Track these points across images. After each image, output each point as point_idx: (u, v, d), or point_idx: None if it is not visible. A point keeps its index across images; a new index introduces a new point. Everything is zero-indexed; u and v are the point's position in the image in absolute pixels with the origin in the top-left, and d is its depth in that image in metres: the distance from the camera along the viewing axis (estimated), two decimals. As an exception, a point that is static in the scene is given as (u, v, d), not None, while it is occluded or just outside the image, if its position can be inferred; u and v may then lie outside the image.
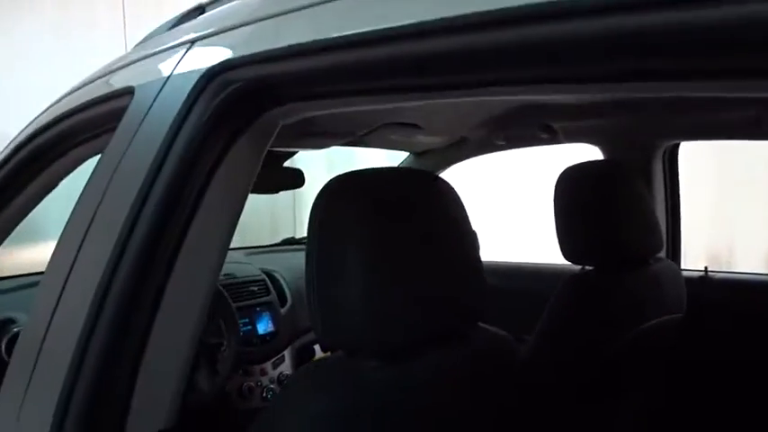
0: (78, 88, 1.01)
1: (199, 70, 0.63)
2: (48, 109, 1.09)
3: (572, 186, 1.28)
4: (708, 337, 1.49)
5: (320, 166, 3.02)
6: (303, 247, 2.24)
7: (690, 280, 1.56)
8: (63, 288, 0.66)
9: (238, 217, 0.72)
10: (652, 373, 1.37)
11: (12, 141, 1.16)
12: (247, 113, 0.63)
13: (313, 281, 0.72)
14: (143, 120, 0.67)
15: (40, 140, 1.06)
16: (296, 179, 1.72)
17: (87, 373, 0.57)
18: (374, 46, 0.48)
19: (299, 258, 2.31)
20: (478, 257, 0.80)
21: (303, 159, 2.07)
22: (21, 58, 3.23)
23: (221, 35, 0.69)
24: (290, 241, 2.37)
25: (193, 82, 0.62)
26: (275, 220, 3.53)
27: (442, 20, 0.42)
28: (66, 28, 3.31)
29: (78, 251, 0.66)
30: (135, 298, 0.58)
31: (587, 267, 1.28)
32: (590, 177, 1.27)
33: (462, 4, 0.41)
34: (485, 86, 0.48)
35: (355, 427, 0.65)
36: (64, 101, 1.03)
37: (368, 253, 0.70)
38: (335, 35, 0.50)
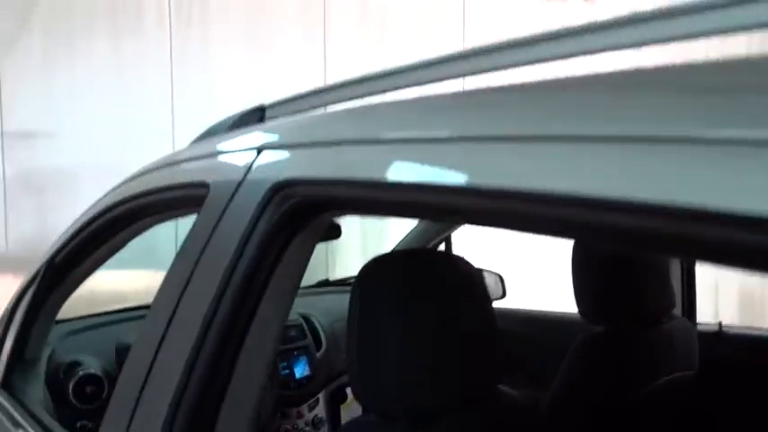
0: (151, 170, 1.17)
1: (268, 179, 0.78)
2: (121, 185, 1.25)
3: (588, 248, 1.39)
4: (720, 391, 1.57)
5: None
6: (337, 288, 2.41)
7: (703, 335, 1.64)
8: (165, 333, 0.83)
9: (295, 293, 0.86)
10: (666, 427, 1.45)
11: (84, 213, 1.34)
12: (306, 218, 0.78)
13: (353, 348, 0.85)
14: (222, 215, 0.83)
15: (112, 214, 1.23)
16: (334, 231, 1.88)
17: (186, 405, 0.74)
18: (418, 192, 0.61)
19: (333, 300, 2.44)
20: (495, 328, 0.93)
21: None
22: (80, 98, 3.52)
23: (287, 149, 0.84)
24: (324, 283, 2.50)
25: (264, 191, 0.77)
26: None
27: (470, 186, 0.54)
28: (118, 66, 3.59)
29: (175, 312, 0.83)
30: (222, 352, 0.75)
31: (601, 327, 1.37)
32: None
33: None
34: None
35: None
36: (136, 180, 1.20)
37: (400, 328, 0.83)
38: (391, 179, 0.63)
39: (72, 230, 1.37)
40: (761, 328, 1.67)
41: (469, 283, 0.92)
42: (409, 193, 0.62)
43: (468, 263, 0.95)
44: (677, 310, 1.66)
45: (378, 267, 0.89)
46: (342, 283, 2.41)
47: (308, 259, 0.85)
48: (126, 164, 1.45)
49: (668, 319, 1.47)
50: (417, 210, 0.74)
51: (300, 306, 2.16)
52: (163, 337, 0.84)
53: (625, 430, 1.28)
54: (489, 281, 2.62)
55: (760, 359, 1.60)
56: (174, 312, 0.84)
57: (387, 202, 0.68)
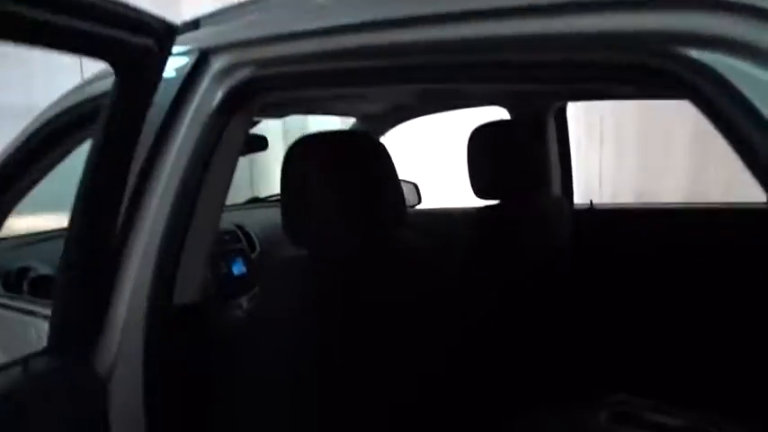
0: (91, 82, 1.31)
1: (196, 49, 0.96)
2: (60, 99, 1.38)
3: (483, 138, 1.65)
4: (592, 258, 1.91)
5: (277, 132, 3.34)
6: (267, 204, 2.63)
7: (578, 212, 1.98)
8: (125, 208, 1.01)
9: (233, 171, 1.07)
10: (548, 291, 1.78)
11: (26, 128, 1.46)
12: (244, 99, 0.98)
13: (286, 206, 1.08)
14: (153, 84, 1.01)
15: (55, 125, 1.36)
16: (261, 144, 2.07)
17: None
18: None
19: (264, 214, 2.63)
20: (399, 189, 1.18)
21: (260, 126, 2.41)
22: None
23: (216, 25, 1.03)
24: (255, 200, 2.69)
25: (192, 58, 0.96)
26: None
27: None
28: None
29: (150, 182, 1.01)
30: (181, 216, 0.95)
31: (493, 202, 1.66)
32: (497, 133, 1.65)
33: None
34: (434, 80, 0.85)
35: (316, 309, 1.03)
36: (77, 92, 1.33)
37: (324, 190, 1.06)
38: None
39: (15, 144, 1.48)
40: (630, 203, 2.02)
41: (381, 159, 1.16)
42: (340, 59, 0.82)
43: (381, 143, 1.18)
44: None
45: (305, 144, 1.11)
46: (270, 199, 2.62)
47: (244, 140, 1.06)
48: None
49: (546, 196, 1.77)
50: (345, 76, 0.94)
51: (233, 219, 2.35)
52: (120, 211, 1.03)
53: (510, 296, 1.58)
54: (405, 189, 2.89)
55: (626, 227, 1.96)
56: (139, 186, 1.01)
57: (316, 72, 0.88)
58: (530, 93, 1.86)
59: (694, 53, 0.60)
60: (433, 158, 4.69)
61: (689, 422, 1.18)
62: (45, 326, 1.03)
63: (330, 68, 0.90)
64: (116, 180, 0.95)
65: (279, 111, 1.98)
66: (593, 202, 2.01)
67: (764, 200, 0.68)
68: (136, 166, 0.98)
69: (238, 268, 2.12)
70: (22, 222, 2.32)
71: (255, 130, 2.12)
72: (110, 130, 0.92)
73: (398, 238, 1.17)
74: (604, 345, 1.95)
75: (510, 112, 2.01)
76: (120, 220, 0.97)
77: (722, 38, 0.59)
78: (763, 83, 0.56)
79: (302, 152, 1.07)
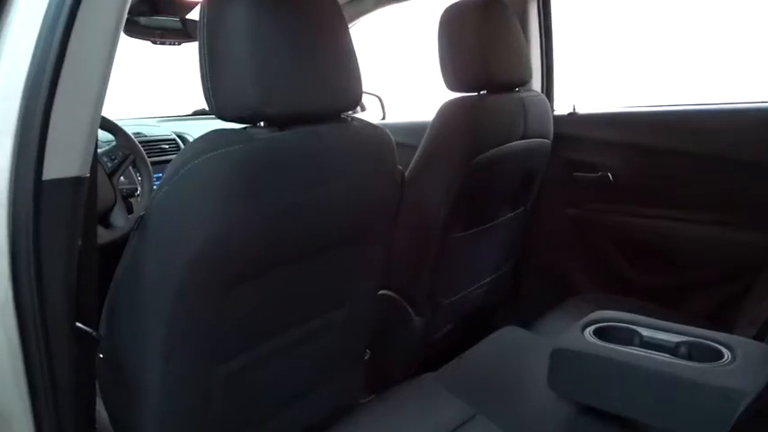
0: None
1: None
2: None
3: (455, 21, 1.41)
4: (571, 152, 1.72)
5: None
6: (213, 116, 2.28)
7: (560, 116, 1.78)
8: None
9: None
10: (514, 177, 1.59)
11: None
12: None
13: (206, 66, 0.83)
14: None
15: None
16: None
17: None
18: None
19: (209, 125, 2.37)
20: (357, 61, 0.94)
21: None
22: None
23: None
24: (201, 112, 2.42)
25: None
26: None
27: None
28: None
29: None
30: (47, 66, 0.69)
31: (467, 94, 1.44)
32: (472, 12, 1.41)
33: None
34: None
35: (248, 177, 0.81)
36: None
37: (255, 40, 0.82)
38: None
39: None
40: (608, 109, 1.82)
41: (332, 17, 0.91)
42: None
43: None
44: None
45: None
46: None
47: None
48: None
49: (525, 91, 1.56)
50: None
51: (175, 128, 2.09)
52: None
53: (479, 178, 1.39)
54: (369, 102, 2.65)
55: (602, 132, 1.78)
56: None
57: None
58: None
59: None
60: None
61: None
62: None
63: None
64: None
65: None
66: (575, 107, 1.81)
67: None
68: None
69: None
70: None
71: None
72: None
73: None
74: (580, 248, 1.81)
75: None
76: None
77: None
78: None
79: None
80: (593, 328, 1.10)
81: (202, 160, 0.80)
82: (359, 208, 1.01)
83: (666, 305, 1.68)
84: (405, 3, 1.99)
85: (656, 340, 1.06)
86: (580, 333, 1.09)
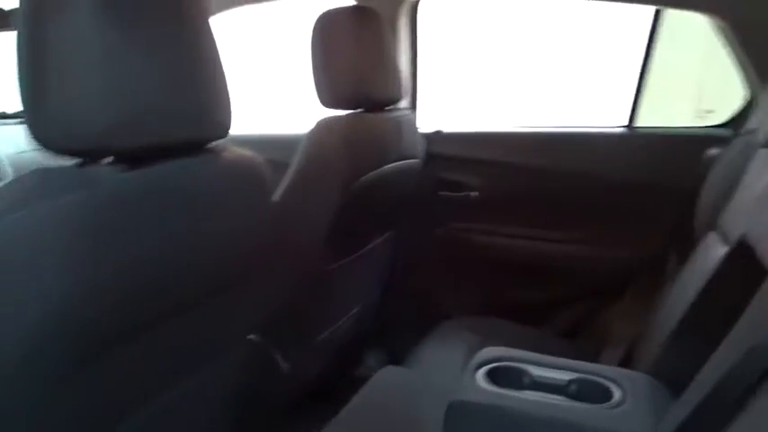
0: None
1: None
2: None
3: (329, 31, 1.28)
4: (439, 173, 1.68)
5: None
6: (17, 120, 1.91)
7: (427, 134, 1.72)
8: None
9: None
10: (392, 201, 1.51)
11: None
12: None
13: (30, 88, 0.61)
14: None
15: None
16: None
17: None
18: None
19: (14, 131, 2.00)
20: (225, 81, 0.77)
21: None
22: None
23: None
24: (2, 116, 2.03)
25: None
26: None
27: None
28: None
29: None
30: None
31: (339, 112, 1.31)
32: (347, 22, 1.28)
33: None
34: None
35: (92, 233, 0.61)
36: None
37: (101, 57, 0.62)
38: None
39: None
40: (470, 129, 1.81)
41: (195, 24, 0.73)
42: None
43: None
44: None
45: None
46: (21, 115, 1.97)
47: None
48: None
49: (396, 110, 1.47)
50: None
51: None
52: None
53: (357, 204, 1.28)
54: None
55: (468, 151, 1.76)
56: None
57: None
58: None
59: None
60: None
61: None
62: None
63: None
64: None
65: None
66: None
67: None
68: None
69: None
70: None
71: None
72: None
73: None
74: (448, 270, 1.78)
75: None
76: None
77: None
78: None
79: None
80: (484, 370, 1.03)
81: (28, 212, 0.59)
82: (231, 253, 0.84)
83: (537, 323, 1.70)
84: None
85: (548, 379, 1.02)
86: (473, 379, 1.01)
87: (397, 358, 1.48)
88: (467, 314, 1.69)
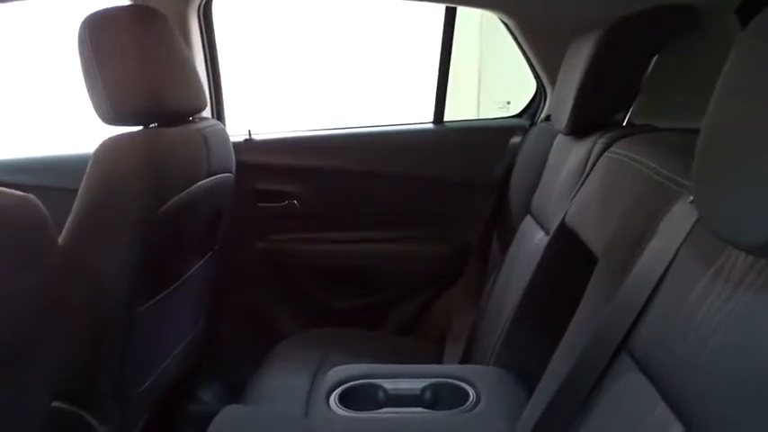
0: None
1: None
2: None
3: (103, 37, 1.08)
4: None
5: None
6: None
7: (237, 143, 1.59)
8: None
9: None
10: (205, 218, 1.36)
11: None
12: None
13: None
14: None
15: None
16: None
17: None
18: None
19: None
20: None
21: None
22: None
23: None
24: None
25: None
26: None
27: None
28: None
29: None
30: None
31: (131, 129, 1.12)
32: (124, 24, 1.10)
33: None
34: None
35: None
36: None
37: None
38: None
39: None
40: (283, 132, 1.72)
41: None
42: None
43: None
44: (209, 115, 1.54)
45: None
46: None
47: None
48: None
49: (201, 120, 1.33)
50: None
51: None
52: None
53: (166, 233, 1.12)
54: None
55: (282, 158, 1.67)
56: None
57: None
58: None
59: None
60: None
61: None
62: None
63: None
64: None
65: None
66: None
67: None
68: None
69: None
70: None
71: None
72: None
73: None
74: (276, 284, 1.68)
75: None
76: None
77: None
78: None
79: None
80: (336, 394, 0.96)
81: None
82: (10, 320, 0.66)
83: (375, 326, 1.67)
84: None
85: (402, 391, 0.99)
86: (326, 406, 0.94)
87: (235, 390, 1.35)
88: (301, 328, 1.60)
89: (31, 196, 0.72)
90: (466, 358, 1.28)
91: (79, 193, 1.04)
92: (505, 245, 1.39)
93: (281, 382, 1.28)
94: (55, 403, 1.08)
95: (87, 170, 1.04)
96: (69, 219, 1.04)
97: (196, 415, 1.61)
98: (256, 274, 1.69)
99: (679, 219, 0.65)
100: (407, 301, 1.67)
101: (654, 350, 0.62)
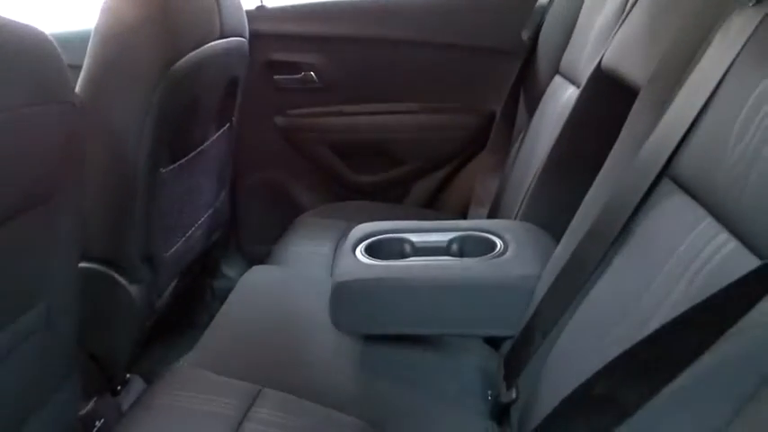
0: None
1: None
2: None
3: None
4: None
5: None
6: None
7: (249, 11, 1.52)
8: None
9: None
10: None
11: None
12: None
13: None
14: None
15: None
16: None
17: None
18: None
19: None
20: None
21: None
22: None
23: None
24: None
25: None
26: None
27: None
28: None
29: None
30: None
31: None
32: None
33: None
34: None
35: None
36: None
37: None
38: None
39: None
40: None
41: None
42: None
43: None
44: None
45: None
46: None
47: None
48: None
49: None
50: None
51: None
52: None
53: (180, 92, 1.09)
54: None
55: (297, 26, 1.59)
56: None
57: None
58: None
59: None
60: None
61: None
62: None
63: None
64: None
65: None
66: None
67: None
68: None
69: None
70: None
71: None
72: None
73: None
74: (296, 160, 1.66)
75: None
76: None
77: None
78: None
79: None
80: (363, 247, 0.96)
81: None
82: (26, 158, 0.65)
83: (393, 201, 1.66)
84: None
85: (428, 243, 0.98)
86: (353, 256, 0.93)
87: (257, 263, 1.37)
88: (322, 203, 1.60)
89: (46, 35, 0.68)
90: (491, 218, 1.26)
91: (89, 48, 1.00)
92: (532, 110, 1.34)
93: (305, 248, 1.29)
94: (85, 264, 1.10)
95: (97, 21, 0.99)
96: (81, 77, 1.00)
97: (221, 290, 1.65)
98: (275, 150, 1.66)
99: (736, 29, 0.60)
100: (430, 175, 1.64)
101: (700, 169, 0.59)
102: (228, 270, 1.70)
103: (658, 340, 0.49)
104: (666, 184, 0.64)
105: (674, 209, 0.61)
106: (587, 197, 0.81)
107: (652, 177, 0.65)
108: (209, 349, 0.94)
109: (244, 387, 0.83)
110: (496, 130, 1.47)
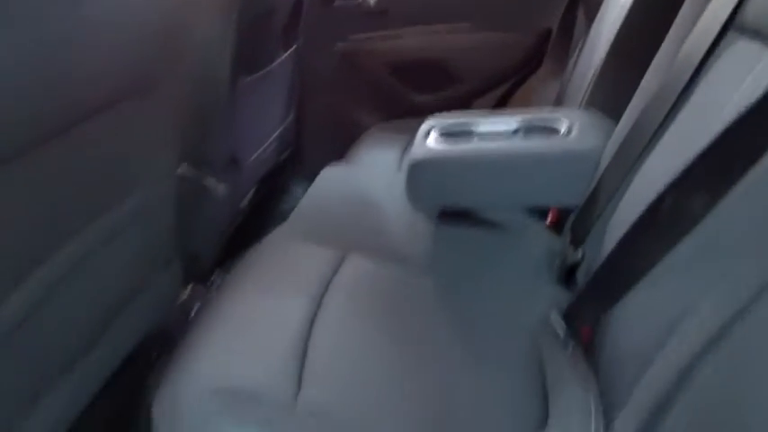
0: None
1: None
2: None
3: None
4: None
5: None
6: None
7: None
8: None
9: None
10: None
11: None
12: None
13: None
14: None
15: None
16: None
17: None
18: None
19: None
20: None
21: None
22: None
23: None
24: None
25: None
26: None
27: None
28: None
29: None
30: None
31: None
32: None
33: None
34: None
35: None
36: None
37: None
38: None
39: None
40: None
41: None
42: None
43: None
44: None
45: None
46: None
47: None
48: None
49: None
50: None
51: None
52: None
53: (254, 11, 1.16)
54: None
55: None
56: None
57: None
58: None
59: None
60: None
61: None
62: None
63: None
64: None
65: None
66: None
67: None
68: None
69: None
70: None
71: None
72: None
73: None
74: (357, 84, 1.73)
75: None
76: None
77: None
78: None
79: None
80: (435, 133, 1.03)
81: None
82: (131, 44, 0.71)
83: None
84: None
85: (495, 130, 1.04)
86: (426, 142, 1.01)
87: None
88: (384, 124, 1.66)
89: None
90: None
91: None
92: (592, 18, 1.36)
93: (374, 154, 1.36)
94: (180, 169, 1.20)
95: None
96: None
97: (289, 209, 1.75)
98: (338, 75, 1.73)
99: None
100: (488, 93, 1.68)
101: None
102: (296, 189, 1.79)
103: (721, 145, 0.54)
104: (732, 35, 0.68)
105: (739, 56, 0.66)
106: (649, 71, 0.85)
107: (717, 29, 0.68)
108: (296, 224, 1.04)
109: (330, 253, 0.92)
110: (554, 44, 1.49)
